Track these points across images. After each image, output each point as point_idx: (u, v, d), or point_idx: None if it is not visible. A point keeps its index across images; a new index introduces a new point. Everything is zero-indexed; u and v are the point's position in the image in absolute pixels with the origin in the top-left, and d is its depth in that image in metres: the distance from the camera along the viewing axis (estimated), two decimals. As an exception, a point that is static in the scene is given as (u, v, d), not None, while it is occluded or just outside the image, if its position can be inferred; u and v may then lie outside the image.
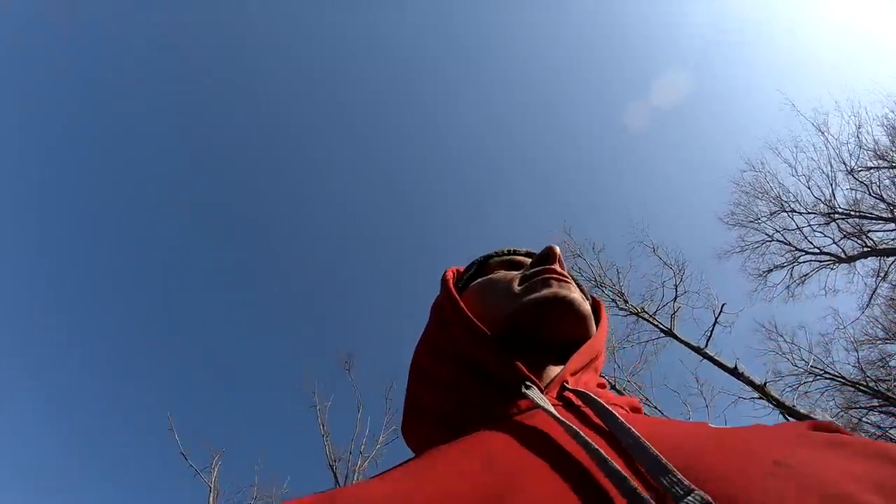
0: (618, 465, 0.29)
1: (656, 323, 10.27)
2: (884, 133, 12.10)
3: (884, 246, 11.20)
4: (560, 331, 0.50)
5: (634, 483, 0.27)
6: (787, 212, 12.65)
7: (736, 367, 9.25)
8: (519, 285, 0.53)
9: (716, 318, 10.00)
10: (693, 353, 9.87)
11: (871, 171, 11.92)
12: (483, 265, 0.64)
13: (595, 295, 0.62)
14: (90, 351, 22.28)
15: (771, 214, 12.88)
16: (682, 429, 0.36)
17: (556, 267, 0.54)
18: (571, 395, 0.42)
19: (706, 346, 9.74)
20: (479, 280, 0.59)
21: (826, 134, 12.43)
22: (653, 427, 0.36)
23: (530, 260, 0.60)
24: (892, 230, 11.63)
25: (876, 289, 11.37)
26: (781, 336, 11.58)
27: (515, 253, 0.63)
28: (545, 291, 0.50)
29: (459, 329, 0.49)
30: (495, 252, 0.64)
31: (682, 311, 10.30)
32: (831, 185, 12.28)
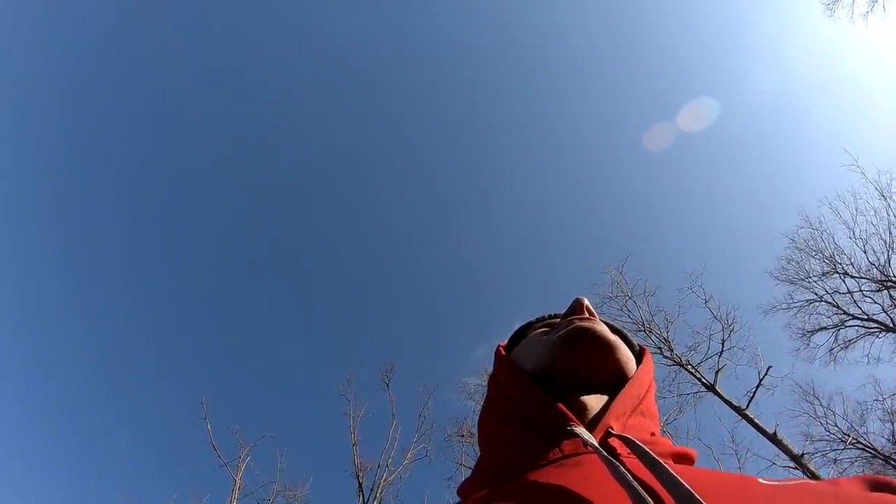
0: None
1: (699, 376, 10.19)
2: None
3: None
4: (590, 363, 0.50)
5: None
6: (839, 273, 12.44)
7: (775, 434, 9.19)
8: (550, 335, 0.55)
9: (760, 381, 9.91)
10: (733, 411, 9.81)
11: (933, 244, 11.66)
12: (524, 332, 0.66)
13: (640, 341, 0.65)
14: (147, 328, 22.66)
15: (822, 274, 12.68)
16: (734, 484, 0.34)
17: (584, 314, 0.56)
18: (616, 441, 0.40)
19: (747, 406, 9.68)
20: (521, 342, 0.63)
21: (888, 199, 12.14)
22: (704, 481, 0.34)
23: None
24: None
25: (921, 364, 11.21)
26: (818, 399, 11.49)
27: (553, 317, 0.66)
28: (570, 327, 0.53)
29: (506, 378, 0.53)
30: (535, 319, 0.67)
31: (726, 369, 10.20)
32: (888, 251, 12.03)
